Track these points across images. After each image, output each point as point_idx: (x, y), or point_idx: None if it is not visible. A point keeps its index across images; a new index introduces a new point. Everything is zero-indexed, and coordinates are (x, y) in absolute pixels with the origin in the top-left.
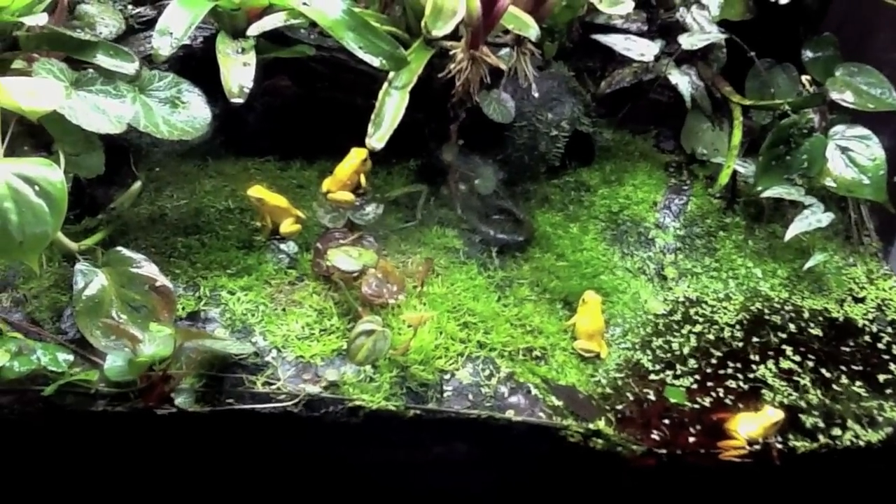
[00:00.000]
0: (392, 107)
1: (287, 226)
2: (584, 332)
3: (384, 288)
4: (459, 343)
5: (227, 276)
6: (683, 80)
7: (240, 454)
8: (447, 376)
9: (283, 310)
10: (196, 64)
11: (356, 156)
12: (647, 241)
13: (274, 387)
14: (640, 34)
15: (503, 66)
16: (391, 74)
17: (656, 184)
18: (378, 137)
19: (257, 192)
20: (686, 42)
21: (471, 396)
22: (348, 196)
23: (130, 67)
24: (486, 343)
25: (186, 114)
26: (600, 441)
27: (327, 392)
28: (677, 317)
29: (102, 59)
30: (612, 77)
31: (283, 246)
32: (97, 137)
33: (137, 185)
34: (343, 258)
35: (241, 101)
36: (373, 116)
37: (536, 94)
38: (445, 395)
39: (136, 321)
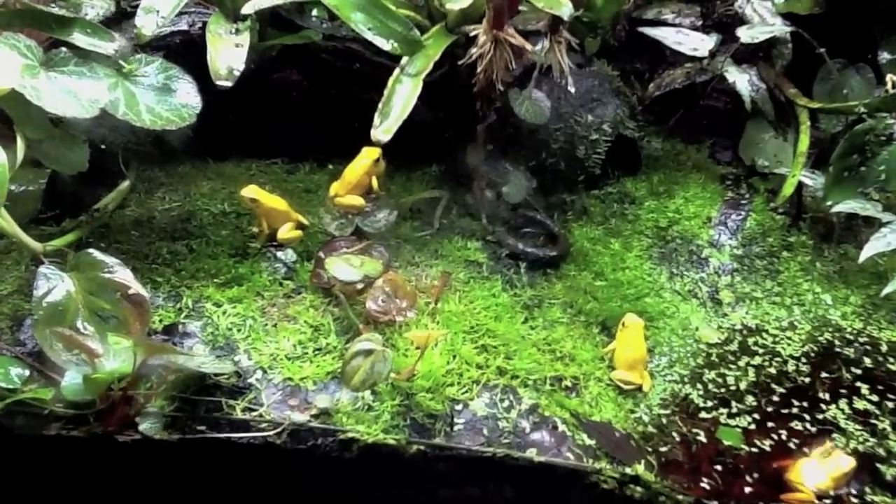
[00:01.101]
0: (403, 95)
1: (285, 231)
2: (624, 360)
3: (392, 304)
4: (475, 368)
5: (214, 286)
6: (742, 80)
7: (213, 490)
8: (459, 407)
9: (275, 325)
10: (197, 51)
11: (367, 156)
12: (699, 261)
13: (255, 413)
14: (694, 29)
15: (529, 48)
16: (404, 60)
17: (711, 197)
18: (385, 129)
19: (252, 191)
20: (745, 35)
21: (486, 431)
22: (358, 201)
23: (109, 47)
24: (506, 369)
25: (174, 102)
26: (639, 489)
27: (317, 421)
28: (733, 346)
29: (79, 38)
30: (661, 79)
31: (280, 254)
32: (80, 131)
33: (125, 184)
34: (342, 267)
35: (228, 84)
36: (380, 105)
37: (573, 90)
38: (456, 428)
39: (104, 333)
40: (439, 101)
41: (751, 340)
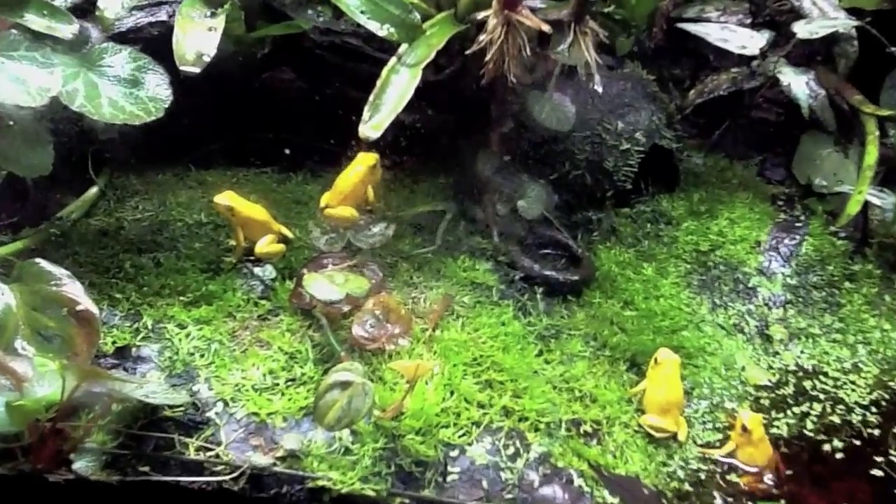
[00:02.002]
0: (398, 87)
1: (265, 245)
2: (656, 403)
3: (382, 329)
4: (476, 407)
5: (180, 304)
6: (799, 83)
7: None
8: (454, 453)
9: (244, 351)
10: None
11: (362, 162)
12: (746, 291)
13: (211, 453)
14: (735, 24)
15: (546, 29)
16: (402, 48)
17: (760, 219)
18: (374, 124)
19: (227, 198)
20: (803, 30)
21: (485, 483)
22: (350, 213)
23: (66, 31)
24: (514, 409)
25: (141, 95)
26: None
27: (283, 465)
28: (787, 390)
29: (32, 19)
30: (703, 85)
31: (257, 270)
32: (45, 131)
33: (92, 191)
34: (322, 284)
35: (195, 70)
36: (371, 98)
37: (600, 90)
38: (449, 479)
39: (47, 354)
40: (448, 103)
41: (807, 384)
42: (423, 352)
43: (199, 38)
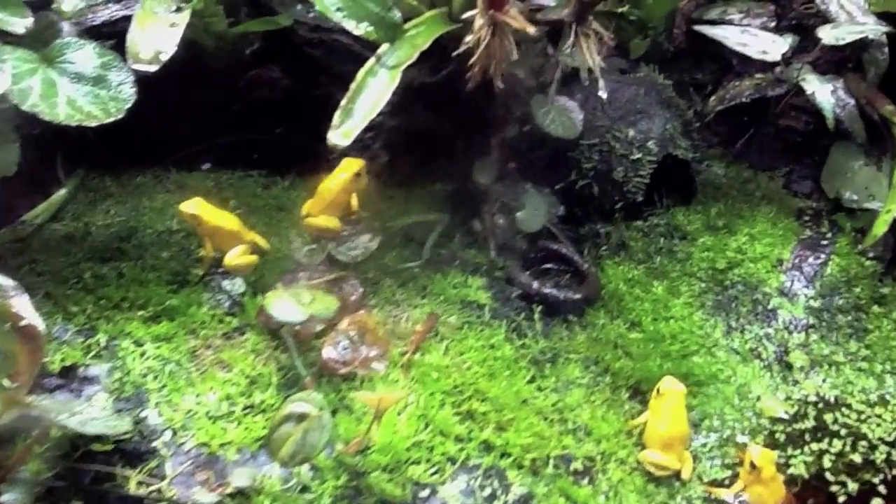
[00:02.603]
0: (375, 91)
1: (235, 256)
2: (658, 437)
3: (356, 352)
4: (453, 442)
5: (139, 319)
6: (824, 91)
7: None
8: (425, 493)
9: (203, 373)
10: None
11: (346, 169)
12: (765, 313)
13: (153, 488)
14: (765, 31)
15: (531, 31)
16: (383, 48)
17: (783, 235)
18: (345, 131)
19: (193, 206)
20: (829, 35)
21: None
22: (332, 223)
23: (20, 25)
24: (495, 444)
25: (102, 94)
26: None
27: (231, 503)
28: (806, 424)
29: None
30: (724, 91)
31: (225, 283)
32: (10, 129)
33: (59, 194)
34: (284, 303)
35: (151, 69)
36: (343, 102)
37: (604, 95)
38: None
39: None
40: (446, 106)
41: (828, 417)
42: (399, 377)
43: (158, 35)
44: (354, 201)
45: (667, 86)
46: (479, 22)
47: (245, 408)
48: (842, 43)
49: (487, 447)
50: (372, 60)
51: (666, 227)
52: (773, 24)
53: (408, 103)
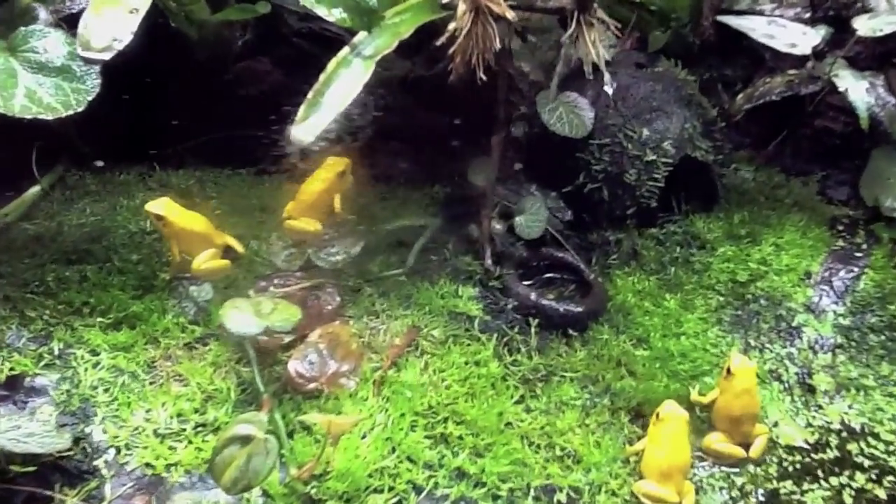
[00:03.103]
0: (346, 83)
1: (204, 260)
2: (656, 467)
3: (325, 367)
4: (422, 469)
5: (99, 326)
6: (859, 88)
7: None
8: None
9: (159, 385)
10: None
11: (330, 168)
12: (789, 331)
13: None
14: (799, 23)
15: (510, 16)
16: (359, 36)
17: (813, 246)
18: (309, 127)
19: (159, 206)
20: (865, 27)
21: None
22: (313, 226)
23: None
24: (469, 472)
25: (65, 85)
26: None
27: None
28: (827, 454)
29: None
30: (754, 88)
31: (193, 289)
32: None
33: (32, 191)
34: (239, 314)
35: (103, 58)
36: (310, 94)
37: (610, 90)
38: None
39: None
40: (444, 102)
41: (853, 447)
42: (369, 395)
43: (115, 21)
44: (337, 203)
45: (688, 82)
46: (461, 7)
47: (197, 426)
48: (879, 35)
49: (460, 475)
50: (346, 50)
51: (683, 235)
52: (807, 15)
53: (402, 99)
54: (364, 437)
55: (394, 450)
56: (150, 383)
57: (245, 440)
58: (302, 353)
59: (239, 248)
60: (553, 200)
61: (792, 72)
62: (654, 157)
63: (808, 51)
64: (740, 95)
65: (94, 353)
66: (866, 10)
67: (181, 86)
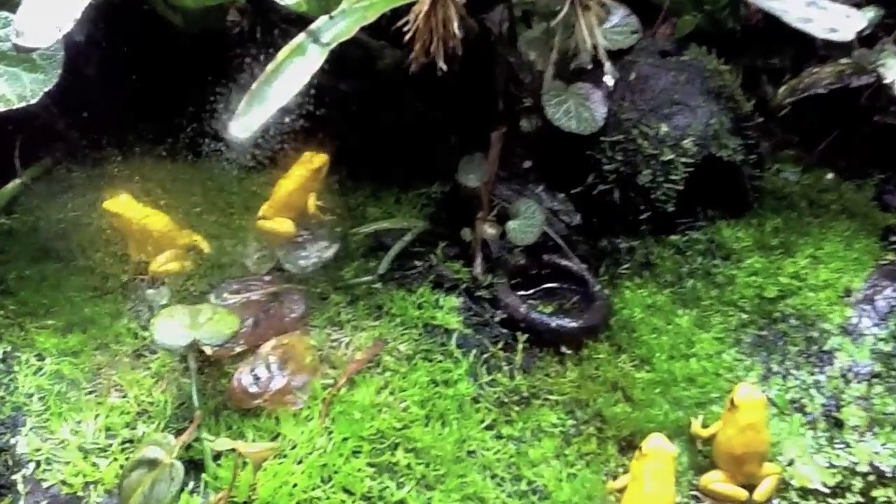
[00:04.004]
0: (296, 74)
1: (163, 261)
2: None
3: (273, 381)
4: (358, 501)
5: (49, 329)
6: None
7: None
8: None
9: (96, 396)
10: (111, 14)
11: (305, 164)
12: (819, 356)
13: None
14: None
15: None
16: (319, 21)
17: (857, 259)
18: (249, 121)
19: (116, 204)
20: None
21: None
22: (285, 227)
23: None
24: None
25: (24, 76)
26: None
27: None
28: (848, 499)
29: None
30: (799, 79)
31: (150, 292)
32: None
33: (12, 184)
34: (169, 323)
35: (39, 45)
36: (255, 85)
37: (611, 81)
38: None
39: None
40: (441, 96)
41: (878, 494)
42: (315, 416)
43: (58, 4)
44: (312, 202)
45: (720, 72)
46: None
47: (124, 442)
48: None
49: None
50: (302, 36)
51: (707, 244)
52: None
53: (395, 92)
54: (299, 462)
55: (329, 478)
56: (90, 393)
57: (152, 464)
58: (249, 366)
59: (206, 248)
60: (561, 202)
61: (844, 61)
62: (672, 157)
63: (850, 36)
64: (783, 87)
65: (40, 357)
66: None
67: (172, 76)
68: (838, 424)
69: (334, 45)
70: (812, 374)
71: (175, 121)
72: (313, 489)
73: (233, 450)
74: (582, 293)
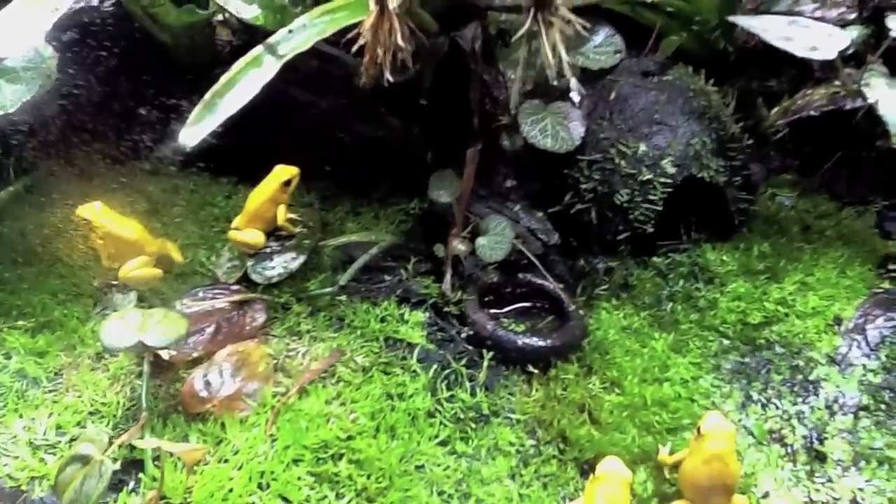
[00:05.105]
0: (250, 85)
1: (132, 268)
2: None
3: (224, 388)
4: None
5: (22, 329)
6: (890, 98)
7: None
8: None
9: (55, 394)
10: (104, 32)
11: (275, 177)
12: (804, 385)
13: None
14: (842, 26)
15: (392, 5)
16: (276, 35)
17: (851, 287)
18: (198, 130)
19: (88, 211)
20: None
21: None
22: (254, 238)
23: None
24: None
25: (5, 88)
26: None
27: None
28: None
29: None
30: (792, 100)
31: (118, 297)
32: None
33: (5, 192)
34: (116, 325)
35: (7, 55)
36: (208, 95)
37: (577, 98)
38: None
39: None
40: (415, 111)
41: None
42: (261, 423)
43: (28, 19)
44: (281, 215)
45: (704, 93)
46: (372, 4)
47: (73, 439)
48: None
49: None
50: (260, 48)
51: (690, 266)
52: (852, 16)
53: (374, 108)
54: (239, 468)
55: (267, 485)
56: (49, 392)
57: (84, 460)
58: (203, 372)
59: (178, 257)
60: (539, 221)
61: (837, 83)
62: (650, 176)
63: (832, 55)
64: (776, 109)
65: (8, 356)
66: None
67: (163, 93)
68: (820, 458)
69: (290, 56)
70: (795, 403)
71: (165, 135)
72: (249, 494)
73: (169, 453)
74: (557, 313)
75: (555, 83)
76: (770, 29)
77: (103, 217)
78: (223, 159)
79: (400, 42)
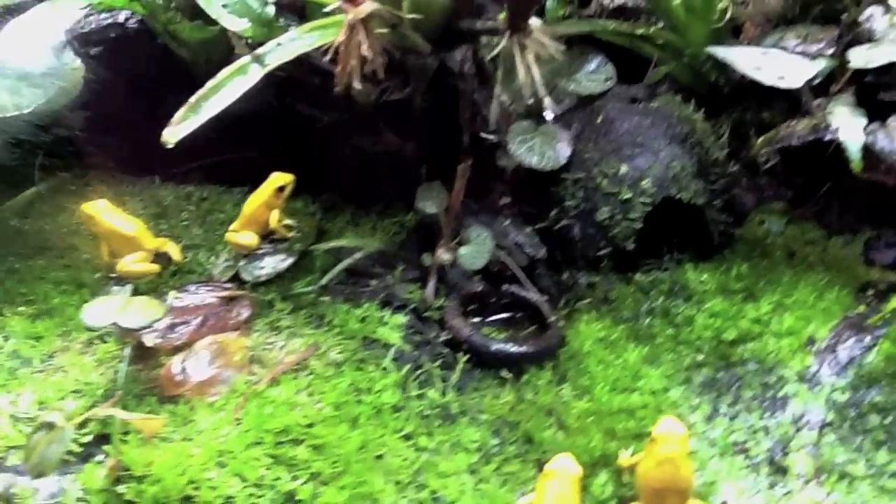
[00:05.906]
0: (234, 89)
1: (129, 263)
2: None
3: (199, 373)
4: (249, 487)
5: (23, 315)
6: (853, 127)
7: None
8: None
9: (43, 374)
10: (129, 47)
11: (270, 183)
12: (772, 401)
13: None
14: (809, 55)
15: (351, 12)
16: (264, 47)
17: (827, 309)
18: (180, 130)
19: (91, 208)
20: (858, 58)
21: None
22: (248, 240)
23: None
24: (300, 499)
25: (23, 89)
26: None
27: None
28: None
29: None
30: (776, 131)
31: (115, 289)
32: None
33: (30, 191)
34: (99, 305)
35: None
36: (193, 98)
37: (550, 116)
38: None
39: None
40: (412, 126)
41: None
42: (229, 408)
43: (40, 29)
44: (274, 219)
45: (689, 120)
46: (346, 17)
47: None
48: (871, 66)
49: (289, 499)
50: (247, 58)
51: (671, 284)
52: (830, 52)
53: (372, 123)
54: (202, 446)
55: (225, 464)
56: (38, 372)
57: (50, 427)
58: (185, 357)
59: (177, 256)
60: (526, 236)
61: (821, 114)
62: (629, 195)
63: (798, 84)
64: (761, 139)
65: (7, 338)
66: (870, 40)
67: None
68: (782, 470)
69: (274, 66)
70: (762, 418)
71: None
72: (206, 470)
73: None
74: (538, 323)
75: (529, 102)
76: (742, 59)
77: (105, 213)
78: (235, 171)
79: (366, 53)
